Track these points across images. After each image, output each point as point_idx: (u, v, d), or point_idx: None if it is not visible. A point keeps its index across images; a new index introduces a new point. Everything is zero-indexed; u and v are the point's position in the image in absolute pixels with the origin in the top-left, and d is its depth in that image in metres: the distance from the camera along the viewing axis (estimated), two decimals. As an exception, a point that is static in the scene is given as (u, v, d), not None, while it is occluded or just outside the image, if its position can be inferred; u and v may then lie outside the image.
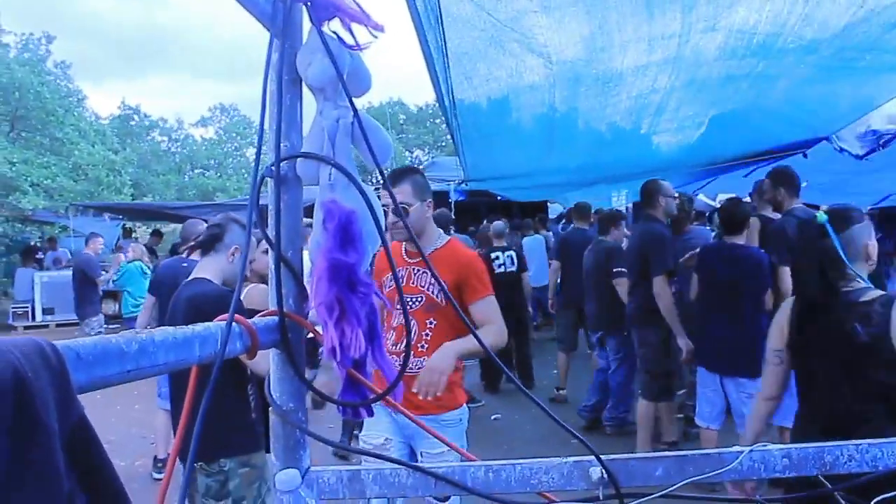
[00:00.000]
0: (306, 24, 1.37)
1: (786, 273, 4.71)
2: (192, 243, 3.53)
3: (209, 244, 3.34)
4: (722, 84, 4.93)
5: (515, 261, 8.39)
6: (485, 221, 11.71)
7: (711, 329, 4.90)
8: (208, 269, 3.35)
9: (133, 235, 18.58)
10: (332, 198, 1.29)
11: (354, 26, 1.33)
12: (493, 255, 8.29)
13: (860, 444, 1.41)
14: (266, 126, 1.33)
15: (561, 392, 7.82)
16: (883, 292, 2.46)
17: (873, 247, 2.55)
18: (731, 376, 4.78)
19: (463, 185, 10.95)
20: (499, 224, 8.89)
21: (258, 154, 1.26)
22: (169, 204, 21.22)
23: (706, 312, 5.01)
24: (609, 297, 6.52)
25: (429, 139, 49.90)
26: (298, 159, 1.35)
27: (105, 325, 10.08)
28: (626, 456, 1.39)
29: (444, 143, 46.29)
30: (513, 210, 15.25)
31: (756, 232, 5.21)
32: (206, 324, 1.11)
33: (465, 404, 3.43)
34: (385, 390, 1.37)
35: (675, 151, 7.02)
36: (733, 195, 6.92)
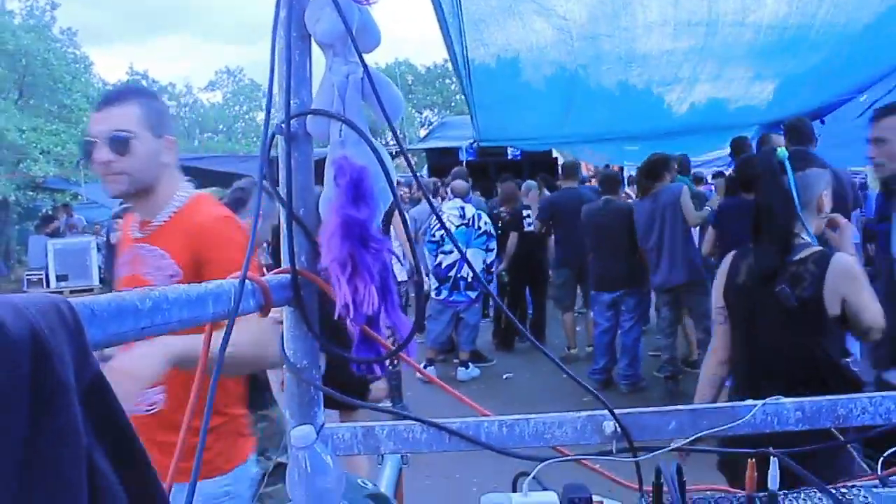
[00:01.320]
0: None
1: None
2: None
3: (233, 208, 3.31)
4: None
5: (532, 219, 8.40)
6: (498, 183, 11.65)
7: None
8: None
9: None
10: (343, 154, 1.28)
11: (362, -21, 1.31)
12: (524, 213, 8.31)
13: (874, 397, 1.41)
14: (276, 84, 1.32)
15: (571, 351, 7.86)
16: (819, 248, 2.28)
17: (827, 198, 2.35)
18: None
19: (475, 145, 10.95)
20: (530, 182, 8.91)
21: (267, 111, 1.26)
22: (185, 156, 21.22)
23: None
24: (630, 255, 6.57)
25: (438, 99, 49.55)
26: (309, 116, 1.35)
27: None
28: (638, 410, 1.40)
29: (453, 104, 45.95)
30: (523, 169, 15.17)
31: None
32: (219, 281, 1.11)
33: (247, 461, 2.34)
34: (399, 346, 1.37)
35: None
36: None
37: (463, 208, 7.28)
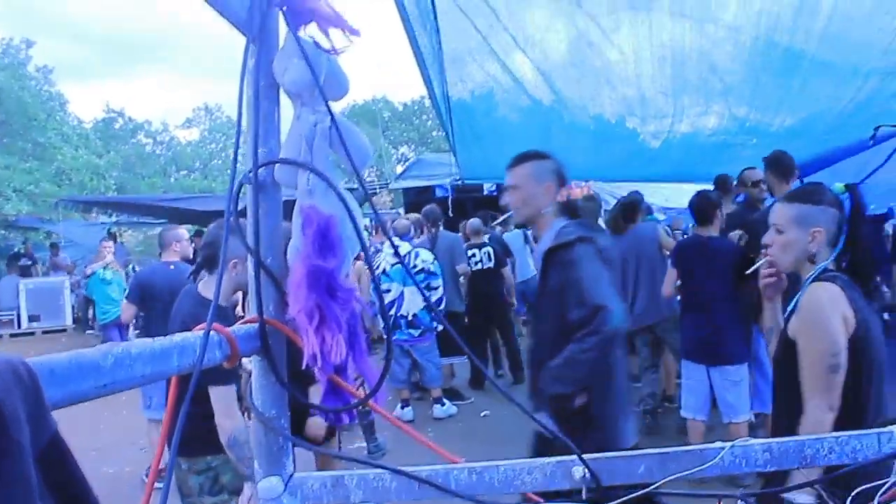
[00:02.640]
0: (282, 29, 1.37)
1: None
2: (194, 269, 3.46)
3: (209, 265, 3.31)
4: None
5: (493, 257, 8.40)
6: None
7: (694, 320, 4.99)
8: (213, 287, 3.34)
9: (119, 240, 18.49)
10: (310, 203, 1.29)
11: (331, 30, 1.33)
12: (469, 253, 8.30)
13: (839, 437, 1.42)
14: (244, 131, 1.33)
15: None
16: None
17: None
18: (717, 365, 4.86)
19: (453, 183, 11.01)
20: (474, 221, 8.89)
21: (234, 161, 1.26)
22: (157, 197, 21.16)
23: (687, 304, 5.13)
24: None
25: (414, 136, 49.80)
26: (277, 165, 1.35)
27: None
28: (607, 455, 1.40)
29: (430, 140, 46.21)
30: (499, 204, 15.22)
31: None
32: (185, 334, 1.11)
33: None
34: (367, 394, 1.37)
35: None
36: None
37: (398, 246, 7.21)
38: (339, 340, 1.27)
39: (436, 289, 7.23)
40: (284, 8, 1.31)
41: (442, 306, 7.33)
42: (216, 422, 2.80)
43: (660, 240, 6.26)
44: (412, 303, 7.02)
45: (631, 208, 6.60)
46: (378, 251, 7.49)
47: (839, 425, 1.96)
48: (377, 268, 7.04)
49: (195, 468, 3.19)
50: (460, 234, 9.19)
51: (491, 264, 8.36)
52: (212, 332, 1.15)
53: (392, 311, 7.03)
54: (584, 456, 1.37)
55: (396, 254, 6.96)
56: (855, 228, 2.23)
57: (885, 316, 9.49)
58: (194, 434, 2.82)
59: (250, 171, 1.31)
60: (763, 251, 2.36)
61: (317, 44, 1.33)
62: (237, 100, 1.31)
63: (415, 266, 7.04)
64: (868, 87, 4.89)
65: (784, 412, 2.25)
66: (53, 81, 28.83)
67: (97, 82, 74.09)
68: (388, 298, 7.00)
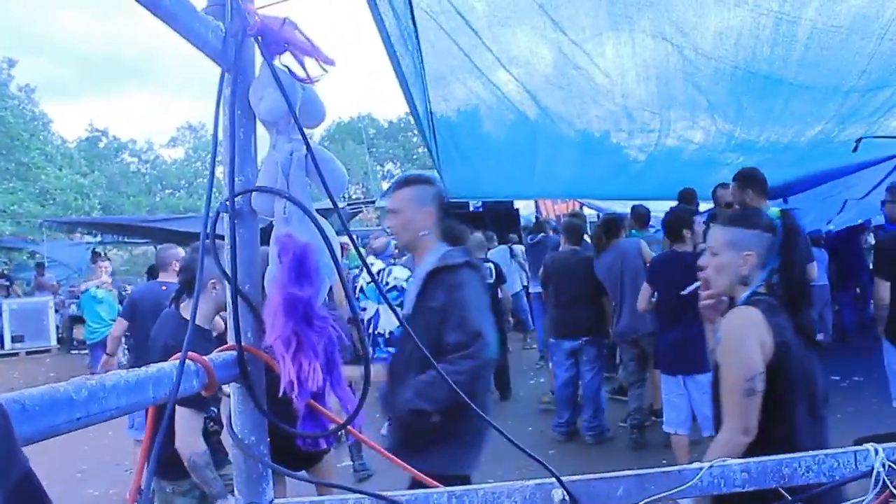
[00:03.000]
0: (258, 58, 1.38)
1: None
2: (175, 293, 3.45)
3: (189, 288, 3.31)
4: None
5: (493, 273, 8.41)
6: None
7: (669, 334, 5.04)
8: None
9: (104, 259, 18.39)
10: (287, 231, 1.29)
11: (305, 60, 1.34)
12: None
13: (817, 455, 1.44)
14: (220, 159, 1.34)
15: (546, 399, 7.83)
16: None
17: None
18: (691, 374, 4.88)
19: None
20: (477, 236, 8.92)
21: (209, 190, 1.27)
22: (140, 218, 21.12)
23: (662, 318, 5.17)
24: (591, 304, 6.65)
25: (400, 153, 49.96)
26: (254, 193, 1.36)
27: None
28: (587, 477, 1.40)
29: (415, 157, 46.35)
30: (485, 221, 15.31)
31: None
32: (161, 364, 1.11)
33: None
34: (346, 420, 1.37)
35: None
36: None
37: (372, 264, 7.22)
38: (317, 367, 1.27)
39: None
40: (260, 38, 1.32)
41: None
42: (175, 443, 2.80)
43: (643, 255, 6.30)
44: (388, 321, 7.00)
45: (614, 224, 6.66)
46: (361, 269, 7.48)
47: (767, 449, 1.74)
48: (356, 286, 7.03)
49: (179, 490, 3.19)
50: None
51: (492, 280, 8.37)
52: (188, 361, 1.16)
53: (369, 330, 7.00)
54: (564, 478, 1.37)
55: (369, 272, 7.03)
56: (789, 252, 2.28)
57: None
58: (176, 457, 2.81)
59: (227, 200, 1.32)
60: (699, 273, 2.41)
61: (292, 73, 1.34)
62: (212, 129, 1.32)
63: (387, 283, 7.02)
64: (849, 104, 4.96)
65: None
66: (37, 101, 28.82)
67: (80, 102, 73.85)
68: (365, 317, 6.99)
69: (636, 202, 8.03)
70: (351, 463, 6.07)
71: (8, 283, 17.32)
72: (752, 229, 2.28)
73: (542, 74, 4.99)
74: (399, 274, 7.15)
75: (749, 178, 5.21)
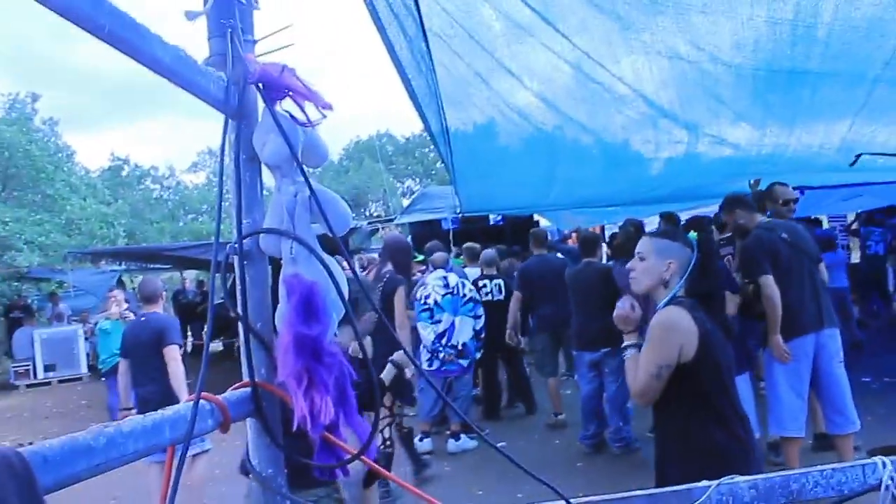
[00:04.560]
0: (260, 103, 1.43)
1: (766, 280, 4.81)
2: None
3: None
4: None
5: (503, 289, 8.42)
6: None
7: None
8: None
9: (131, 287, 18.62)
10: (293, 272, 1.34)
11: (305, 104, 1.39)
12: (480, 283, 8.33)
13: (825, 470, 1.45)
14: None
15: (559, 417, 7.81)
16: None
17: None
18: None
19: (458, 214, 11.10)
20: (489, 252, 8.92)
21: (217, 234, 1.32)
22: (164, 246, 21.36)
23: None
24: (611, 315, 6.63)
25: (419, 168, 50.12)
26: (261, 234, 1.41)
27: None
28: (598, 498, 1.43)
29: (434, 172, 46.48)
30: (505, 235, 15.30)
31: None
32: (176, 406, 1.16)
33: None
34: (360, 450, 1.41)
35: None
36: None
37: (446, 277, 7.32)
38: (328, 402, 1.31)
39: (480, 317, 7.42)
40: (261, 85, 1.37)
41: (483, 335, 7.52)
42: None
43: None
44: (462, 332, 7.11)
45: (637, 231, 6.58)
46: (423, 284, 7.53)
47: (709, 419, 2.60)
48: (428, 298, 7.15)
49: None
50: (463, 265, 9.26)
51: (501, 296, 8.39)
52: (202, 402, 1.20)
53: (443, 341, 7.13)
54: (573, 500, 1.40)
55: (447, 285, 7.12)
56: (706, 265, 2.85)
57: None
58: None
59: (235, 243, 1.36)
60: (629, 273, 2.85)
61: (293, 117, 1.39)
62: (217, 174, 1.37)
63: (463, 296, 7.21)
64: (878, 94, 4.88)
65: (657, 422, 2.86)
66: (59, 134, 29.33)
67: (101, 132, 74.83)
68: (439, 329, 7.09)
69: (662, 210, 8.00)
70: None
71: (22, 315, 17.56)
72: (675, 241, 2.77)
73: (560, 87, 5.00)
74: (471, 286, 7.42)
75: (734, 202, 5.29)
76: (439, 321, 7.11)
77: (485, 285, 8.38)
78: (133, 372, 5.77)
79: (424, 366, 7.25)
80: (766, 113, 5.37)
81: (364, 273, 6.56)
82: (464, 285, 7.34)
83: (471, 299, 7.32)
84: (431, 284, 7.29)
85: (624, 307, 2.90)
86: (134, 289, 18.35)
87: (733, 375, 2.78)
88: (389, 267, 6.16)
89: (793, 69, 4.53)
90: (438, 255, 7.75)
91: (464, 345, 7.15)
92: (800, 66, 4.49)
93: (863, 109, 5.15)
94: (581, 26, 4.08)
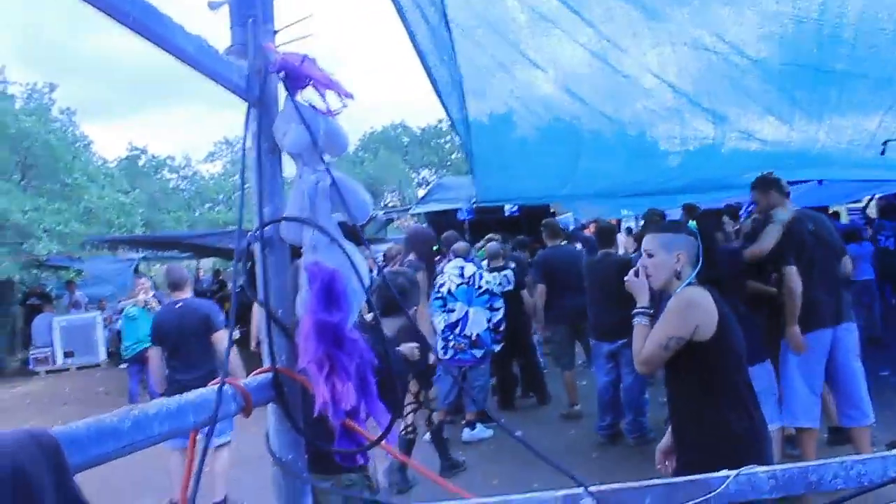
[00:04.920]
0: (281, 92, 1.44)
1: (789, 272, 4.78)
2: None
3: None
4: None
5: (511, 279, 8.42)
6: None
7: None
8: None
9: (148, 274, 18.75)
10: (314, 259, 1.35)
11: (326, 93, 1.40)
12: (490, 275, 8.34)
13: (844, 461, 1.45)
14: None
15: (575, 408, 7.81)
16: None
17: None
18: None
19: (474, 204, 11.11)
20: (492, 246, 8.93)
21: (239, 222, 1.33)
22: (182, 233, 21.50)
23: None
24: (628, 306, 6.63)
25: (434, 159, 50.08)
26: (282, 222, 1.42)
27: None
28: (615, 486, 1.43)
29: (449, 163, 46.46)
30: (521, 225, 15.28)
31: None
32: (200, 390, 1.17)
33: None
34: (380, 436, 1.42)
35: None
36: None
37: (463, 268, 7.32)
38: (349, 388, 1.32)
39: (497, 310, 7.39)
40: (282, 74, 1.38)
41: (502, 328, 7.48)
42: None
43: None
44: (476, 323, 7.10)
45: (658, 219, 6.56)
46: (440, 272, 7.54)
47: (721, 397, 2.68)
48: (443, 287, 7.14)
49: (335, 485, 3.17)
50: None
51: (510, 287, 8.39)
52: (226, 386, 1.22)
53: (456, 331, 7.12)
54: (591, 488, 1.41)
55: (462, 275, 7.13)
56: (708, 253, 2.86)
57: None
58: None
59: (256, 230, 1.38)
60: (643, 270, 2.90)
61: (313, 106, 1.40)
62: (240, 162, 1.38)
63: (479, 287, 7.19)
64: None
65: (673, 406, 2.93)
66: (77, 123, 29.55)
67: (118, 121, 75.25)
68: (452, 318, 7.10)
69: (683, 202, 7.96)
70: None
71: (39, 302, 17.73)
72: (678, 233, 2.84)
73: (585, 78, 4.97)
74: (489, 278, 7.39)
75: (770, 182, 5.22)
76: (452, 310, 7.11)
77: (493, 277, 8.38)
78: (169, 359, 5.76)
79: (439, 354, 7.28)
80: (793, 106, 5.33)
81: (389, 264, 6.56)
82: (480, 276, 7.33)
83: (486, 291, 7.30)
84: (448, 273, 7.30)
85: (631, 275, 2.98)
86: (151, 277, 18.49)
87: (745, 362, 2.85)
88: (412, 257, 6.19)
89: (819, 66, 4.49)
90: (461, 245, 7.75)
91: (478, 336, 7.14)
92: (826, 65, 4.45)
93: (891, 109, 5.11)
94: (606, 16, 4.06)
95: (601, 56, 4.56)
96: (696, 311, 2.65)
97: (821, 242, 4.94)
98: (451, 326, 7.10)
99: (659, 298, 2.95)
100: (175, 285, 5.95)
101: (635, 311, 2.93)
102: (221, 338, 5.48)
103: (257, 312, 9.17)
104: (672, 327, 2.66)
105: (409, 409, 5.90)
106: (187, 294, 5.93)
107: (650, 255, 2.84)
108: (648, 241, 2.89)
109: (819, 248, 4.92)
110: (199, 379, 5.27)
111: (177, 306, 5.79)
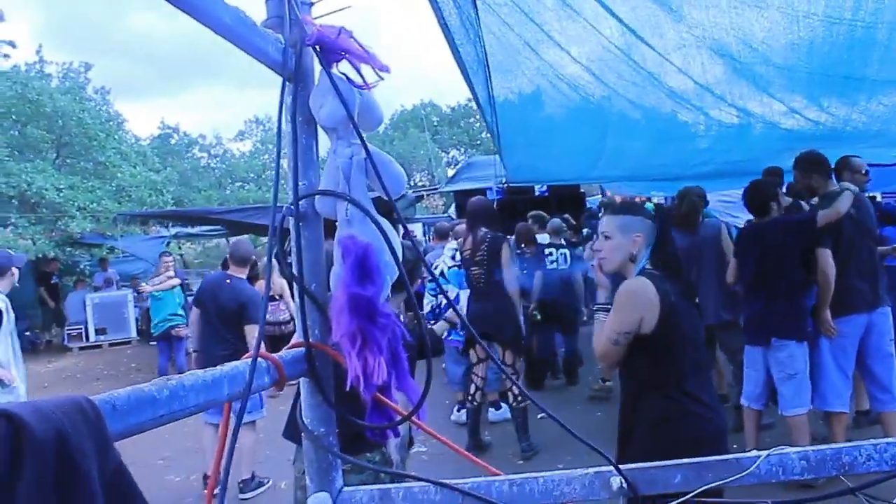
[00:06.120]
0: (317, 66, 1.44)
1: (824, 254, 4.71)
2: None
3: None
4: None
5: (568, 258, 8.39)
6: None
7: (749, 304, 5.03)
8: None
9: (178, 252, 18.96)
10: (349, 233, 1.35)
11: (362, 67, 1.40)
12: (547, 251, 8.30)
13: (878, 444, 1.43)
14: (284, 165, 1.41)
15: (607, 384, 7.76)
16: None
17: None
18: (766, 340, 4.90)
19: (503, 184, 11.11)
20: (556, 221, 8.93)
21: (274, 195, 1.34)
22: (213, 209, 21.68)
23: (748, 290, 5.11)
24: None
25: (464, 138, 49.89)
26: (317, 196, 1.42)
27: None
28: (645, 465, 1.43)
29: (479, 142, 46.26)
30: (551, 205, 15.20)
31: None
32: (234, 363, 1.19)
33: None
34: (411, 412, 1.43)
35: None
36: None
37: (456, 250, 7.28)
38: (381, 362, 1.33)
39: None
40: (318, 47, 1.37)
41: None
42: None
43: (721, 237, 6.10)
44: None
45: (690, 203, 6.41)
46: (438, 255, 7.53)
47: (664, 387, 2.66)
48: (435, 268, 7.08)
49: (356, 468, 3.21)
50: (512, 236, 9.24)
51: (566, 266, 8.36)
52: (259, 359, 1.23)
53: (448, 313, 7.09)
54: (621, 466, 1.41)
55: (454, 257, 7.10)
56: (663, 235, 2.81)
57: None
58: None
59: (291, 204, 1.38)
60: (596, 254, 2.87)
61: (349, 80, 1.39)
62: (275, 136, 1.39)
63: (555, 262, 7.12)
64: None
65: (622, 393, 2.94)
66: (111, 102, 29.79)
67: (151, 100, 75.87)
68: (442, 301, 7.06)
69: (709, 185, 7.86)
70: (422, 449, 6.17)
71: (57, 281, 18.08)
72: (637, 215, 2.79)
73: (610, 66, 4.94)
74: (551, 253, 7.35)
75: (813, 163, 5.10)
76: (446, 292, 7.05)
77: (551, 253, 8.33)
78: (205, 325, 5.87)
79: (444, 336, 7.30)
80: (820, 111, 5.26)
81: (464, 244, 6.55)
82: None
83: None
84: (444, 256, 7.28)
85: (596, 268, 2.95)
86: (181, 255, 18.68)
87: (701, 350, 2.82)
88: (484, 230, 6.21)
89: (849, 74, 4.41)
90: (460, 227, 7.74)
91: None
92: (857, 73, 4.37)
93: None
94: (631, 15, 4.01)
95: (625, 51, 4.53)
96: (638, 303, 2.63)
97: (859, 226, 4.86)
98: (444, 309, 7.06)
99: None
100: (238, 261, 5.99)
101: (595, 306, 2.92)
102: (250, 331, 5.57)
103: (286, 287, 9.23)
104: (619, 322, 2.65)
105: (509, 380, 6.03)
106: (243, 274, 5.98)
107: (607, 237, 2.80)
108: (607, 223, 2.83)
109: (857, 233, 4.84)
110: (227, 357, 5.34)
111: (226, 281, 5.85)
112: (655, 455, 1.54)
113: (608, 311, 2.78)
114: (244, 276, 6.00)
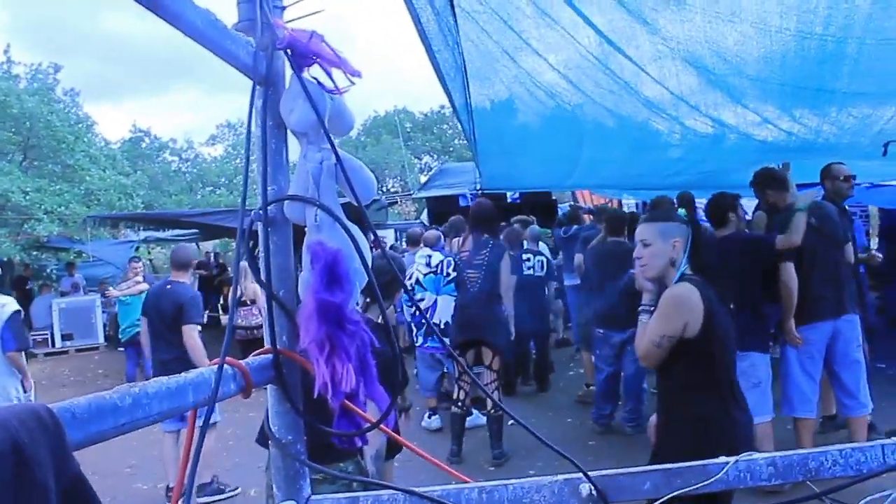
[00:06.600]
0: (288, 70, 1.43)
1: (786, 268, 4.78)
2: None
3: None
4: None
5: (544, 265, 8.44)
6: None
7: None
8: None
9: (147, 257, 18.77)
10: (318, 239, 1.34)
11: (333, 71, 1.39)
12: (525, 257, 8.34)
13: (844, 449, 1.45)
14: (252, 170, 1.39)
15: (591, 388, 7.78)
16: None
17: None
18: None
19: (477, 191, 11.15)
20: (535, 228, 9.02)
21: (243, 199, 1.32)
22: (183, 212, 21.48)
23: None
24: (637, 296, 6.62)
25: (437, 145, 49.91)
26: (286, 201, 1.41)
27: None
28: (614, 471, 1.43)
29: (451, 149, 46.32)
30: (523, 211, 15.26)
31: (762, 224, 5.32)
32: (200, 370, 1.17)
33: None
34: (378, 419, 1.42)
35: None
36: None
37: (430, 256, 7.26)
38: (349, 369, 1.32)
39: None
40: (289, 51, 1.36)
41: None
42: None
43: None
44: (444, 311, 7.07)
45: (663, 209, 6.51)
46: (411, 262, 7.54)
47: (702, 393, 2.75)
48: (410, 277, 7.12)
49: (328, 478, 3.18)
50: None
51: (542, 273, 8.41)
52: (226, 366, 1.21)
53: (423, 320, 7.10)
54: (591, 473, 1.40)
55: (429, 263, 7.11)
56: (696, 239, 2.90)
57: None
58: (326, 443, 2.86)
59: (260, 209, 1.37)
60: (637, 261, 2.94)
61: (320, 84, 1.38)
62: (244, 140, 1.37)
63: (447, 275, 7.11)
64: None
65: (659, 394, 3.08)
66: (80, 105, 29.41)
67: (125, 102, 75.03)
68: (421, 307, 7.08)
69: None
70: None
71: (30, 285, 17.78)
72: (673, 221, 2.89)
73: (587, 75, 4.95)
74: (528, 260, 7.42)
75: (764, 181, 5.24)
76: (421, 300, 7.09)
77: (528, 259, 8.38)
78: (151, 335, 5.88)
79: (417, 343, 7.34)
80: (792, 122, 5.32)
81: (462, 244, 6.61)
82: (449, 264, 7.20)
83: (453, 279, 7.19)
84: (416, 263, 7.31)
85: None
86: (150, 260, 18.48)
87: (735, 353, 2.93)
88: (486, 235, 6.26)
89: (820, 87, 4.47)
90: (429, 234, 7.78)
91: (446, 323, 7.06)
92: (827, 86, 4.43)
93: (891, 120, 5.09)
94: (609, 26, 4.04)
95: (602, 60, 4.56)
96: (683, 308, 2.70)
97: (822, 236, 4.94)
98: (420, 316, 7.10)
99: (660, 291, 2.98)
100: (178, 265, 6.00)
101: (640, 307, 2.97)
102: (186, 331, 5.55)
103: (260, 292, 9.18)
104: (663, 326, 2.72)
105: (493, 386, 6.17)
106: (185, 278, 6.00)
107: (646, 245, 2.86)
108: (646, 230, 2.89)
109: (820, 242, 4.92)
110: (175, 360, 5.39)
111: (167, 287, 5.87)
112: (694, 455, 1.55)
113: (651, 313, 2.86)
114: (186, 281, 6.05)
